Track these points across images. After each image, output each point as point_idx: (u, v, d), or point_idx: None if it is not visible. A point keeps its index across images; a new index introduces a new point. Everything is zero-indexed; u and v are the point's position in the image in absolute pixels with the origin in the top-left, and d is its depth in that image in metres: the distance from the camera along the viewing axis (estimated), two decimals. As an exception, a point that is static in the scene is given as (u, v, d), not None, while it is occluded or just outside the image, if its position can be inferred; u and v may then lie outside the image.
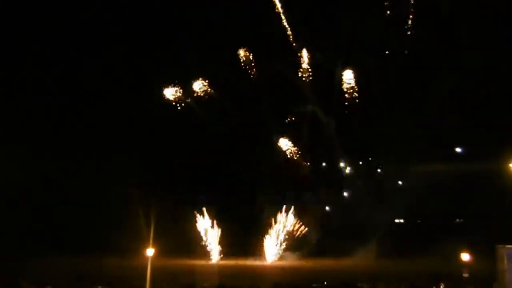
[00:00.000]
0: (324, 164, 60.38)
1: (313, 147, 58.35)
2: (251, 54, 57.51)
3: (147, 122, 57.55)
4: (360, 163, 59.42)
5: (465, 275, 29.21)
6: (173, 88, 57.87)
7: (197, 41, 55.67)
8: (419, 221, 58.87)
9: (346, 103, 57.03)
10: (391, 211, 56.06)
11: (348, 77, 56.88)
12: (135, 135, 56.54)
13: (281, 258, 54.13)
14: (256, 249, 54.83)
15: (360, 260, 48.62)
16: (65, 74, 56.83)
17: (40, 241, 48.84)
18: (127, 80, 56.82)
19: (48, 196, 53.20)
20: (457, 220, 58.18)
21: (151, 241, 29.26)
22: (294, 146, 58.49)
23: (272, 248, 54.43)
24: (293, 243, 54.89)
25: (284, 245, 54.74)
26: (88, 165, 55.79)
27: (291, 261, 53.02)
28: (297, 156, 58.57)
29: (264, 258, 53.99)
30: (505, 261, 27.48)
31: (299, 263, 51.50)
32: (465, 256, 29.59)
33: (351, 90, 56.69)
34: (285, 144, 58.48)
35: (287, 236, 54.43)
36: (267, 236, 54.36)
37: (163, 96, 57.66)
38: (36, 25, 54.55)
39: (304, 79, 58.16)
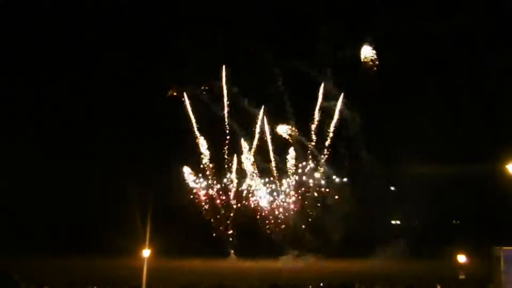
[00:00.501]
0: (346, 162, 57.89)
1: (336, 145, 56.60)
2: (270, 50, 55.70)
3: (146, 121, 57.60)
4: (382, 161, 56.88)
5: (462, 277, 29.17)
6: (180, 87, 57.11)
7: (211, 40, 55.56)
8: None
9: (366, 87, 54.01)
10: (413, 212, 55.29)
11: (367, 52, 54.86)
12: (134, 134, 56.56)
13: (297, 258, 53.63)
14: (270, 249, 54.55)
15: (379, 261, 47.85)
16: (62, 72, 56.88)
17: (35, 241, 48.71)
18: (127, 79, 56.85)
19: (44, 195, 53.04)
20: (454, 221, 57.83)
21: (147, 241, 29.04)
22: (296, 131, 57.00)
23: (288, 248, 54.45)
24: (314, 243, 54.54)
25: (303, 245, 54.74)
26: (84, 164, 55.71)
27: (307, 262, 52.57)
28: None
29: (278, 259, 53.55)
30: (502, 263, 27.45)
31: (309, 264, 51.20)
32: (461, 258, 29.59)
33: (372, 66, 54.81)
34: (284, 130, 57.09)
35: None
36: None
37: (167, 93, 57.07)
38: (35, 24, 54.70)
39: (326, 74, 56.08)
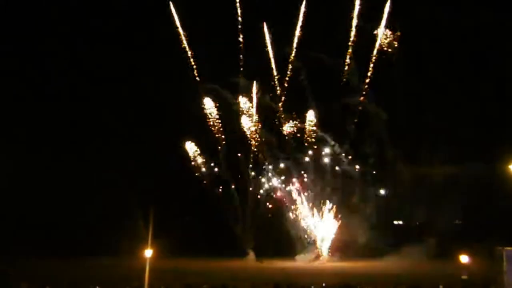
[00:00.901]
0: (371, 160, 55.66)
1: (359, 142, 54.61)
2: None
3: (145, 122, 57.37)
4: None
5: (464, 277, 29.09)
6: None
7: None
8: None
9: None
10: (444, 211, 53.11)
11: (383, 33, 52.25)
12: (134, 134, 56.31)
13: (316, 259, 52.77)
14: (290, 248, 53.73)
15: (393, 262, 47.40)
16: (62, 72, 56.76)
17: (36, 241, 48.54)
18: (128, 77, 56.48)
19: (44, 197, 52.89)
20: (456, 221, 57.04)
21: (149, 241, 28.89)
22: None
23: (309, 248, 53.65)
24: (339, 244, 53.43)
25: (325, 246, 53.73)
26: (84, 165, 55.54)
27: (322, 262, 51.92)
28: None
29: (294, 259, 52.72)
30: (504, 263, 27.41)
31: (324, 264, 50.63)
32: (463, 258, 29.49)
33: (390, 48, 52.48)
34: (289, 127, 55.56)
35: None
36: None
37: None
38: (35, 24, 54.70)
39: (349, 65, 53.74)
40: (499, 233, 36.13)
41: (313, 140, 55.44)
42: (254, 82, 54.96)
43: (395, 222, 58.49)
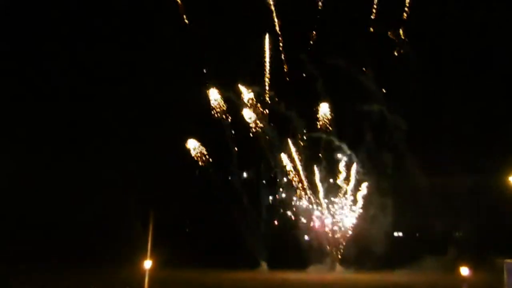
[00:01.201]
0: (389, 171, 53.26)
1: (376, 153, 52.31)
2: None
3: (145, 121, 57.12)
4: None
5: (464, 289, 29.15)
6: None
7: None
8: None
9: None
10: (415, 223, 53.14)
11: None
12: (134, 134, 56.05)
13: (330, 270, 51.41)
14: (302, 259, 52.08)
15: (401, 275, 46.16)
16: (62, 72, 56.33)
17: (36, 243, 48.54)
18: (128, 77, 55.94)
19: (44, 197, 52.82)
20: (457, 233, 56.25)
21: (149, 252, 28.82)
22: None
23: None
24: (355, 255, 51.83)
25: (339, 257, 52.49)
26: (84, 165, 55.41)
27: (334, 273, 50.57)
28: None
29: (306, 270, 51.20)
30: (505, 276, 27.40)
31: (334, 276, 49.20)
32: (464, 270, 29.40)
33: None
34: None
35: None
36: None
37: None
38: (35, 24, 54.41)
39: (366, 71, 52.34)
40: (500, 245, 36.09)
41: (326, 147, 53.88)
42: (267, 34, 53.20)
43: (395, 234, 57.67)
